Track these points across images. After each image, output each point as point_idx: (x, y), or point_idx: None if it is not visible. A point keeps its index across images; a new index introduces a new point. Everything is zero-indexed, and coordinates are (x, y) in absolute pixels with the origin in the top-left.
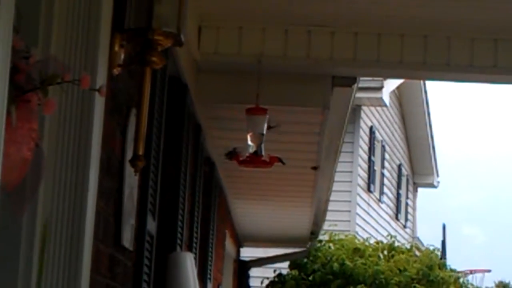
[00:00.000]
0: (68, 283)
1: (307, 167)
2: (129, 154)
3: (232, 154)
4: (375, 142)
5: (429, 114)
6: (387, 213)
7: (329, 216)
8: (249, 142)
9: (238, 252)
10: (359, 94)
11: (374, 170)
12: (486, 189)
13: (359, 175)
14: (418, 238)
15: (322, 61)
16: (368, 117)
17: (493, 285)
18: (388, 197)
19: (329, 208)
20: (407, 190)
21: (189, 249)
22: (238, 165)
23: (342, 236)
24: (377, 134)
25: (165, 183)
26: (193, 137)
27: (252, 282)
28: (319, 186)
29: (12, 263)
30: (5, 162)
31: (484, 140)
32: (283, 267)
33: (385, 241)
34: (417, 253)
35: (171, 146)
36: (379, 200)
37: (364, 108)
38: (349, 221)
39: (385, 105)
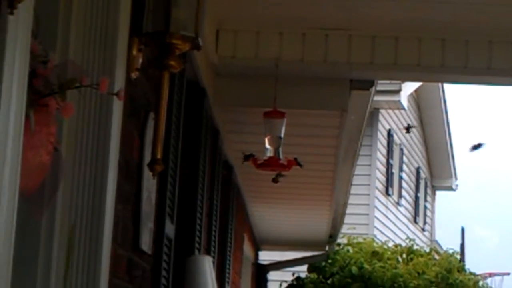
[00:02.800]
0: (87, 286)
1: (326, 170)
2: (147, 158)
3: (248, 157)
4: (393, 145)
5: (447, 116)
6: (405, 216)
7: (347, 219)
8: (267, 146)
9: (256, 256)
10: (377, 97)
11: (392, 173)
12: (497, 191)
13: (377, 178)
14: (436, 241)
15: (339, 64)
16: (386, 120)
17: None
18: (407, 200)
19: (347, 211)
20: (426, 193)
21: (208, 252)
22: (256, 168)
23: (360, 239)
24: (395, 137)
25: (183, 186)
26: (211, 141)
27: (271, 285)
28: (337, 189)
29: (31, 267)
30: (24, 166)
31: (500, 143)
32: (302, 270)
33: (403, 244)
34: (436, 256)
35: (189, 149)
36: (397, 203)
37: (382, 111)
38: (367, 224)
39: (403, 108)
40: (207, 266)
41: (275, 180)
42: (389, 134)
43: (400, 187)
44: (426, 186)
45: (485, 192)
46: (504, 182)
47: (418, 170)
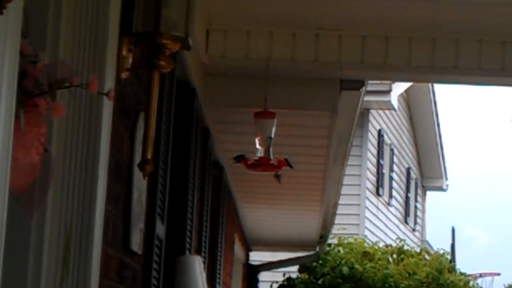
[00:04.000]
0: (77, 287)
1: (316, 170)
2: (137, 158)
3: (240, 158)
4: (384, 146)
5: (437, 117)
6: (396, 216)
7: (338, 219)
8: (257, 146)
9: (247, 256)
10: (367, 98)
11: (383, 174)
12: (487, 191)
13: (367, 178)
14: (427, 242)
15: (330, 64)
16: (377, 121)
17: None
18: (397, 201)
19: (338, 211)
20: (416, 193)
21: (198, 253)
22: (246, 169)
23: (351, 240)
24: (385, 137)
25: (173, 187)
26: (202, 141)
27: (261, 286)
28: (328, 190)
29: (21, 268)
30: (14, 166)
31: (490, 143)
32: (292, 271)
33: (394, 244)
34: (427, 256)
35: (179, 150)
36: (388, 204)
37: (373, 111)
38: (358, 224)
39: (394, 109)
40: (197, 265)
41: (278, 178)
42: (380, 135)
43: (391, 187)
44: (416, 187)
45: (475, 192)
46: (494, 182)
47: (408, 171)
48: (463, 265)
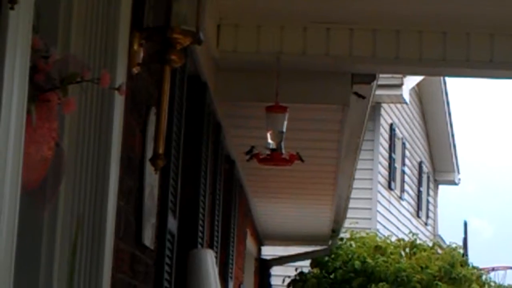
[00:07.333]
0: (89, 281)
1: (328, 164)
2: (149, 153)
3: (252, 152)
4: (396, 140)
5: (449, 111)
6: (408, 210)
7: (350, 214)
8: (269, 140)
9: (259, 251)
10: (379, 92)
11: (395, 168)
12: (497, 183)
13: (379, 172)
14: (439, 236)
15: (341, 58)
16: (388, 115)
17: None
18: (409, 195)
19: (350, 205)
20: (428, 187)
21: (210, 247)
22: (258, 163)
23: (363, 234)
24: (397, 131)
25: (185, 181)
26: (213, 135)
27: (274, 280)
28: (340, 184)
29: (33, 262)
30: (26, 161)
31: (502, 136)
32: (305, 265)
33: (406, 238)
34: (439, 250)
35: (191, 144)
36: (400, 198)
37: (384, 105)
38: (370, 218)
39: (405, 102)
40: (209, 260)
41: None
42: (391, 128)
43: (403, 181)
44: (428, 180)
45: (485, 186)
46: (506, 176)
47: (420, 164)
48: (472, 258)
